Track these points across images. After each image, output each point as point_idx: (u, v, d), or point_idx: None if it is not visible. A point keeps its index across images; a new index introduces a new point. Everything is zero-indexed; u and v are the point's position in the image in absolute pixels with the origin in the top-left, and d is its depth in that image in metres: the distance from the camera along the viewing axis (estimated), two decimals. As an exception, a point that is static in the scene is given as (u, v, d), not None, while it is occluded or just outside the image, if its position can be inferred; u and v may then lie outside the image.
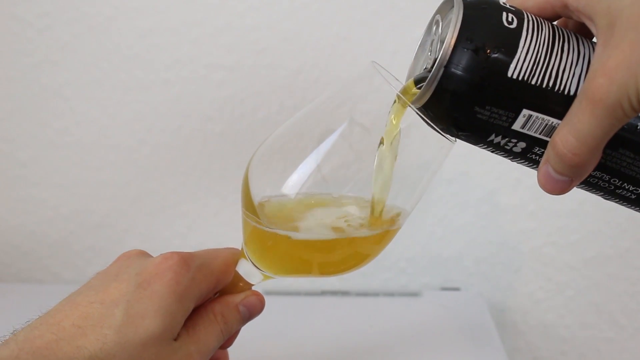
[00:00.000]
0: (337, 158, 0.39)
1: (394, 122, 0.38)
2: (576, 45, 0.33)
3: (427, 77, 0.34)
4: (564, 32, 0.34)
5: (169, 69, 0.70)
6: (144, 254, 0.41)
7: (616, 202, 0.37)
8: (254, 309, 0.43)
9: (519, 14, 0.33)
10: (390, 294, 0.73)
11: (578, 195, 0.72)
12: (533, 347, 0.77)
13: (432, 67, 0.34)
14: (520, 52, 0.32)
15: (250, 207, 0.40)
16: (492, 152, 0.36)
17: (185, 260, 0.39)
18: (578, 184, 0.34)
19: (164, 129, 0.72)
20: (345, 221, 0.40)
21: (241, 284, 0.43)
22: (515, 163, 0.37)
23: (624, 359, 0.77)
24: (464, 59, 0.32)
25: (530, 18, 0.33)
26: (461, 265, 0.75)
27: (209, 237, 0.75)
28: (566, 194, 0.75)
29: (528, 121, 0.33)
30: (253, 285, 0.44)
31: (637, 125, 0.33)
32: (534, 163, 0.36)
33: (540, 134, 0.34)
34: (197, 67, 0.70)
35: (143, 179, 0.74)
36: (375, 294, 0.73)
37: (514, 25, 0.33)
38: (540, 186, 0.34)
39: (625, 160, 0.34)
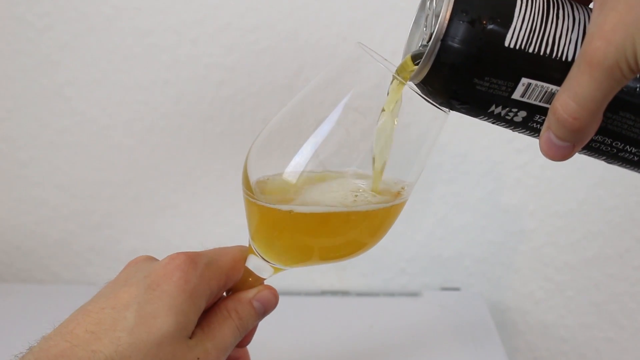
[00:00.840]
0: (336, 139, 0.39)
1: (393, 98, 0.38)
2: (571, 11, 0.33)
3: (424, 52, 0.34)
4: (558, 0, 0.34)
5: (169, 69, 0.70)
6: (151, 259, 0.42)
7: (619, 165, 0.37)
8: (268, 304, 0.43)
9: None
10: (390, 294, 0.73)
11: (578, 195, 0.72)
12: (533, 347, 0.77)
13: (428, 41, 0.34)
14: (516, 21, 0.32)
15: (249, 186, 0.41)
16: (493, 123, 0.36)
17: (193, 258, 0.39)
18: (580, 149, 0.33)
19: (164, 129, 0.72)
20: (352, 192, 0.40)
21: (251, 280, 0.43)
22: (517, 139, 0.36)
23: (624, 359, 0.77)
24: (460, 31, 0.32)
25: None
26: (461, 265, 0.75)
27: (209, 237, 0.75)
28: (566, 194, 0.76)
29: (527, 89, 0.33)
30: (264, 279, 0.44)
31: (637, 87, 0.33)
32: (535, 132, 0.35)
33: (540, 101, 0.34)
34: (197, 67, 0.70)
35: (143, 179, 0.74)
36: (375, 294, 0.73)
37: None
38: (543, 153, 0.33)
39: (626, 123, 0.34)
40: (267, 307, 0.43)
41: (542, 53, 0.32)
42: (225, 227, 0.75)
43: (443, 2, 0.33)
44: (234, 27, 0.69)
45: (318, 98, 0.41)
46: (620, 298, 0.75)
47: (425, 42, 0.36)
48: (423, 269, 0.75)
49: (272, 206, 0.40)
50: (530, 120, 0.35)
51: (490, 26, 0.32)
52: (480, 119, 0.36)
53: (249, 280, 0.43)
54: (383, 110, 0.38)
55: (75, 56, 0.71)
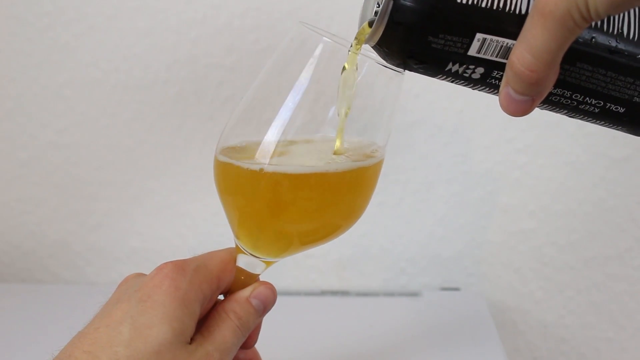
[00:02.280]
0: (301, 110, 0.39)
1: (352, 60, 0.38)
2: None
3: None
4: None
5: (169, 69, 0.70)
6: (140, 274, 0.41)
7: (581, 118, 0.37)
8: (266, 300, 0.43)
9: None
10: (390, 294, 0.73)
11: (578, 195, 0.73)
12: (533, 347, 0.77)
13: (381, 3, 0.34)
14: None
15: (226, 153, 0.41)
16: (453, 82, 0.35)
17: (180, 266, 0.39)
18: (540, 102, 0.33)
19: (164, 129, 0.72)
20: (324, 153, 0.40)
21: (244, 278, 0.43)
22: (483, 95, 0.36)
23: (624, 359, 0.77)
24: None
25: None
26: (461, 265, 0.75)
27: (209, 237, 0.75)
28: (566, 194, 0.76)
29: (483, 45, 0.33)
30: (258, 275, 0.44)
31: (592, 38, 0.33)
32: (494, 88, 0.35)
33: (497, 56, 0.33)
34: (197, 67, 0.70)
35: (143, 179, 0.74)
36: (375, 294, 0.73)
37: None
38: (503, 109, 0.33)
39: (584, 74, 0.34)
40: (266, 303, 0.43)
41: (495, 7, 0.32)
42: (225, 227, 0.75)
43: None
44: (234, 27, 0.69)
45: (276, 79, 0.41)
46: (620, 298, 0.75)
47: (378, 5, 0.36)
48: (423, 269, 0.75)
49: (241, 164, 0.39)
50: (488, 76, 0.34)
51: None
52: (439, 78, 0.36)
53: (242, 279, 0.43)
54: (344, 68, 0.39)
55: (75, 56, 0.71)
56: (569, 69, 0.34)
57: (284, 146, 0.39)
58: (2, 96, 0.73)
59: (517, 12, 0.32)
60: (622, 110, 0.35)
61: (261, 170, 0.39)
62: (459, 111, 0.71)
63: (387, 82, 0.41)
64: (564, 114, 0.37)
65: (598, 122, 0.37)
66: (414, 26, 0.33)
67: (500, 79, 0.34)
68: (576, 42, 0.31)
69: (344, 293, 0.74)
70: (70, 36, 0.70)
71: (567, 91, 0.35)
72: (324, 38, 0.39)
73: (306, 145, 0.40)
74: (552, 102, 0.35)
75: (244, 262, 0.43)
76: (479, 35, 0.33)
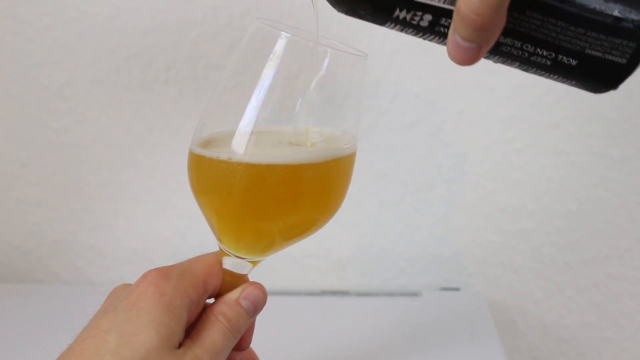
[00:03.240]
0: (270, 103, 0.40)
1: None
2: None
3: None
4: None
5: (169, 69, 0.70)
6: (128, 285, 0.41)
7: (535, 72, 0.36)
8: (256, 299, 0.42)
9: None
10: (390, 294, 0.73)
11: (578, 195, 0.72)
12: (533, 347, 0.77)
13: None
14: None
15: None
16: (401, 30, 0.35)
17: (164, 272, 0.39)
18: (488, 50, 0.32)
19: (164, 129, 0.72)
20: (295, 144, 0.40)
21: (232, 280, 0.43)
22: (436, 46, 0.35)
23: (624, 359, 0.77)
24: None
25: None
26: (461, 265, 0.75)
27: (208, 237, 0.75)
28: (566, 194, 0.76)
29: None
30: (245, 275, 0.44)
31: None
32: (443, 37, 0.34)
33: (444, 2, 0.33)
34: (197, 67, 0.70)
35: (143, 179, 0.74)
36: (375, 294, 0.73)
37: None
38: (451, 57, 0.33)
39: (534, 23, 0.33)
40: (256, 303, 0.43)
41: None
42: (225, 227, 0.75)
43: None
44: (234, 27, 0.69)
45: (241, 76, 0.41)
46: (620, 298, 0.75)
47: None
48: (423, 269, 0.75)
49: (208, 154, 0.40)
50: (436, 24, 0.34)
51: None
52: (387, 26, 0.35)
53: (230, 281, 0.43)
54: None
55: (75, 56, 0.71)
56: (519, 17, 0.33)
57: (255, 138, 0.39)
58: (2, 96, 0.73)
59: None
60: (574, 62, 0.34)
61: (230, 159, 0.39)
62: (458, 111, 0.71)
63: (350, 69, 0.41)
64: (516, 67, 0.36)
65: (552, 76, 0.36)
66: None
67: (448, 27, 0.33)
68: None
69: (344, 293, 0.74)
70: (70, 36, 0.70)
71: (518, 41, 0.34)
72: (283, 33, 0.39)
73: (276, 137, 0.40)
74: (503, 53, 0.35)
75: (230, 264, 0.43)
76: None
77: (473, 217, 0.74)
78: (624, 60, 0.34)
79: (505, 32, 0.33)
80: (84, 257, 0.77)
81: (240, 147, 0.39)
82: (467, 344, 0.62)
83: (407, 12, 0.33)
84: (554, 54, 0.34)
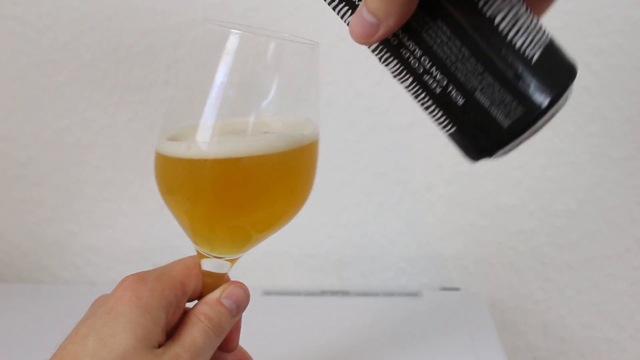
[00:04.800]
0: (228, 99, 0.40)
1: None
2: None
3: None
4: None
5: (168, 69, 0.70)
6: (107, 294, 0.42)
7: (421, 98, 0.34)
8: (238, 298, 0.42)
9: None
10: (390, 294, 0.73)
11: (578, 195, 0.72)
12: (533, 347, 0.77)
13: None
14: None
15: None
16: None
17: (141, 276, 0.39)
18: (387, 33, 0.31)
19: (164, 129, 0.72)
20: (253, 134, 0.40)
21: (212, 281, 0.43)
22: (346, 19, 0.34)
23: (624, 359, 0.77)
24: None
25: None
26: (461, 265, 0.75)
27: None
28: (566, 194, 0.75)
29: None
30: (225, 274, 0.44)
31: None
32: (353, 9, 0.33)
33: None
34: (197, 67, 0.70)
35: (143, 179, 0.74)
36: (375, 294, 0.73)
37: None
38: (350, 30, 0.32)
39: (440, 37, 0.31)
40: (238, 302, 0.42)
41: None
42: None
43: None
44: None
45: (196, 77, 0.41)
46: (620, 298, 0.75)
47: None
48: (423, 269, 0.75)
49: (169, 152, 0.40)
50: None
51: None
52: None
53: (210, 282, 0.43)
54: None
55: (75, 56, 0.71)
56: (429, 23, 0.31)
57: (216, 132, 0.40)
58: (2, 96, 0.73)
59: None
60: (461, 101, 0.32)
61: (192, 157, 0.39)
62: (459, 111, 0.71)
63: (303, 57, 0.42)
64: (405, 83, 0.34)
65: (434, 111, 0.34)
66: None
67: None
68: None
69: (344, 293, 0.74)
70: (70, 36, 0.70)
71: (419, 49, 0.32)
72: (232, 30, 0.39)
73: (238, 130, 0.40)
74: (400, 57, 0.33)
75: (208, 265, 0.43)
76: None
77: (473, 217, 0.74)
78: (506, 123, 0.32)
79: (409, 33, 0.32)
80: (84, 257, 0.77)
81: (202, 142, 0.39)
82: (467, 344, 0.62)
83: None
84: (446, 81, 0.32)
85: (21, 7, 0.70)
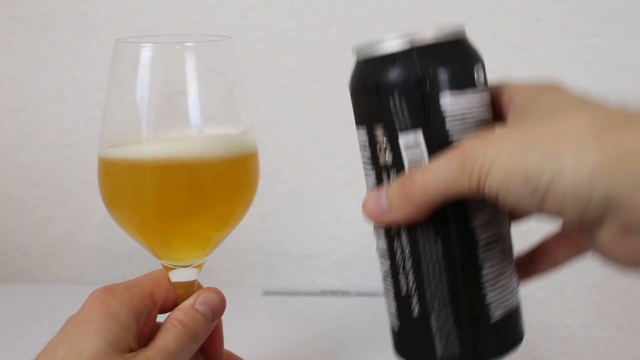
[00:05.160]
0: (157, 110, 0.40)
1: None
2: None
3: None
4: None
5: (169, 69, 0.70)
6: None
7: (388, 280, 0.36)
8: (212, 303, 0.42)
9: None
10: (390, 294, 0.73)
11: (578, 195, 0.72)
12: (533, 347, 0.77)
13: None
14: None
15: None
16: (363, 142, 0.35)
17: (109, 288, 0.40)
18: (390, 221, 0.33)
19: (164, 129, 0.72)
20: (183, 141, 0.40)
21: (183, 291, 0.43)
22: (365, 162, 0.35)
23: (624, 359, 0.77)
24: None
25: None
26: (461, 265, 0.75)
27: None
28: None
29: (412, 144, 0.33)
30: (195, 281, 0.44)
31: (473, 232, 0.33)
32: (379, 179, 0.34)
33: (408, 161, 0.32)
34: (197, 67, 0.70)
35: (143, 179, 0.74)
36: (375, 294, 0.73)
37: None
38: (364, 202, 0.33)
39: (431, 253, 0.33)
40: (213, 307, 0.42)
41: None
42: (225, 227, 0.75)
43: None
44: (234, 27, 0.69)
45: (119, 92, 0.42)
46: (620, 298, 0.75)
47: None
48: (423, 269, 0.75)
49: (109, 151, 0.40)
50: (386, 165, 0.33)
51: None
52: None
53: (182, 293, 0.43)
54: None
55: (75, 56, 0.71)
56: (429, 236, 0.33)
57: (150, 140, 0.40)
58: (2, 96, 0.73)
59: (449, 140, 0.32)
60: (415, 313, 0.34)
61: (129, 169, 0.39)
62: (459, 111, 0.71)
63: (218, 54, 0.42)
64: (382, 261, 0.36)
65: (392, 299, 0.37)
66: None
67: (385, 180, 0.34)
68: (457, 228, 0.32)
69: (344, 293, 0.74)
70: (70, 36, 0.70)
71: (409, 250, 0.34)
72: (144, 44, 0.40)
73: (170, 138, 0.40)
74: (390, 245, 0.34)
75: (176, 276, 0.43)
76: (419, 134, 0.32)
77: (473, 217, 0.74)
78: (440, 355, 0.34)
79: (409, 233, 0.33)
80: (84, 257, 0.77)
81: (140, 153, 0.39)
82: (467, 344, 0.62)
83: (390, 130, 0.33)
84: (414, 289, 0.34)
85: (21, 7, 0.70)
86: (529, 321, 0.81)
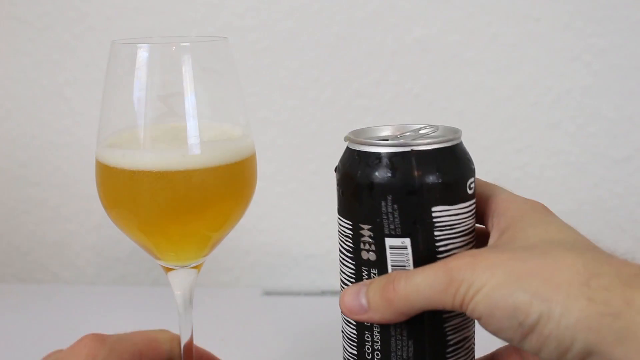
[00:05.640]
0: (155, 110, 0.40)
1: None
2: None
3: None
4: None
5: (169, 69, 0.70)
6: (59, 350, 0.42)
7: None
8: None
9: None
10: (390, 294, 0.73)
11: (578, 195, 0.72)
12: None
13: None
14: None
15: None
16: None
17: (99, 336, 0.39)
18: (366, 320, 0.33)
19: (164, 129, 0.72)
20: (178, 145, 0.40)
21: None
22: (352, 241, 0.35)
23: (624, 359, 0.77)
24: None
25: None
26: (461, 265, 0.75)
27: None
28: (566, 194, 0.75)
29: (397, 249, 0.33)
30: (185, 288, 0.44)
31: (444, 334, 0.33)
32: (356, 277, 0.35)
33: (391, 265, 0.33)
34: (197, 67, 0.70)
35: (143, 179, 0.74)
36: (375, 294, 0.73)
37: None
38: (342, 295, 0.34)
39: (402, 350, 0.33)
40: None
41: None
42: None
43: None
44: (233, 27, 0.69)
45: (116, 92, 0.42)
46: (620, 298, 0.75)
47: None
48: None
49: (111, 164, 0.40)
50: (365, 265, 0.34)
51: None
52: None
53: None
54: None
55: (75, 56, 0.71)
56: (402, 340, 0.33)
57: (147, 145, 0.40)
58: (2, 96, 0.73)
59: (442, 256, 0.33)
60: None
61: (123, 160, 0.39)
62: (459, 111, 0.71)
63: (214, 54, 0.42)
64: (348, 353, 0.37)
65: None
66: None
67: (369, 276, 0.34)
68: (430, 339, 0.33)
69: (344, 293, 0.74)
70: (70, 36, 0.70)
71: (380, 347, 0.34)
72: (140, 45, 0.40)
73: (171, 137, 0.40)
74: (360, 337, 0.35)
75: (177, 279, 0.43)
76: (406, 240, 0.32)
77: (473, 217, 0.74)
78: None
79: (382, 332, 0.33)
80: (83, 257, 0.77)
81: (137, 159, 0.39)
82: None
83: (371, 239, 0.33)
84: None
85: (21, 7, 0.70)
86: (529, 321, 0.81)
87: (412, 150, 0.32)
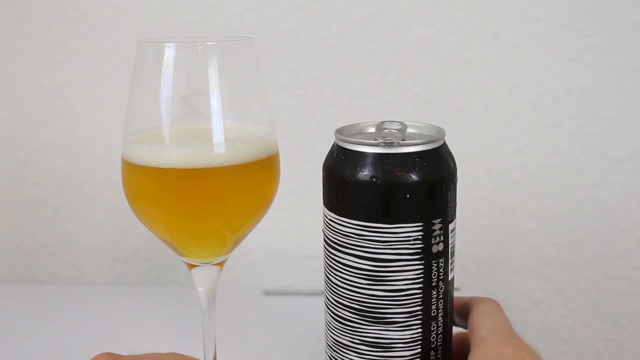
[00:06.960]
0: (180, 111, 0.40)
1: None
2: None
3: None
4: None
5: (169, 69, 0.70)
6: None
7: None
8: None
9: None
10: (390, 294, 0.73)
11: (578, 195, 0.73)
12: (533, 347, 0.77)
13: None
14: None
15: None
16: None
17: (115, 357, 0.39)
18: None
19: (164, 129, 0.72)
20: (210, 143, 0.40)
21: None
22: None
23: (623, 359, 0.77)
24: None
25: None
26: (461, 265, 0.75)
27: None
28: (566, 194, 0.75)
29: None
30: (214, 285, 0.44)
31: None
32: None
33: None
34: (197, 67, 0.70)
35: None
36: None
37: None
38: None
39: None
40: None
41: None
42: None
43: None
44: (234, 27, 0.69)
45: (144, 91, 0.42)
46: (620, 298, 0.75)
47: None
48: (423, 269, 0.75)
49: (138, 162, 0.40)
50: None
51: None
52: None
53: None
54: None
55: (75, 56, 0.71)
56: None
57: (173, 144, 0.40)
58: (2, 96, 0.73)
59: None
60: None
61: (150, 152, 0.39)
62: (459, 111, 0.71)
63: (239, 54, 0.42)
64: None
65: None
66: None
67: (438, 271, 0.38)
68: None
69: (344, 293, 0.74)
70: (70, 36, 0.70)
71: None
72: (166, 44, 0.40)
73: (197, 137, 0.41)
74: None
75: (200, 276, 0.44)
76: None
77: (473, 217, 0.74)
78: None
79: None
80: (83, 257, 0.77)
81: (164, 158, 0.40)
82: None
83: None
84: None
85: (21, 7, 0.70)
86: (529, 321, 0.82)
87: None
